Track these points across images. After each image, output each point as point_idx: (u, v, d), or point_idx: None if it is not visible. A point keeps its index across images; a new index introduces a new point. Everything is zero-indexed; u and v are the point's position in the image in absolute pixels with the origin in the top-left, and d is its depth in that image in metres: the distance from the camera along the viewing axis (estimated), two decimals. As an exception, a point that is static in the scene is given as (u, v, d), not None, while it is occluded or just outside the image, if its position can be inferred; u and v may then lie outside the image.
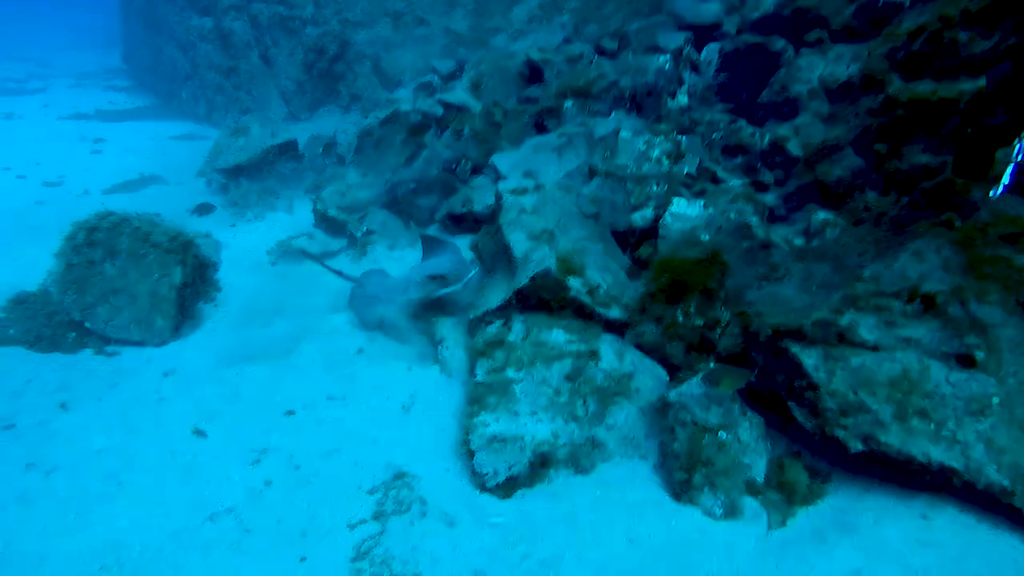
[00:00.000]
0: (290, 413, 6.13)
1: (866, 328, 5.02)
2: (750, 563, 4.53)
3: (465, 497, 5.15)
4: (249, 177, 12.09)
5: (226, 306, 8.13)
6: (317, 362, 6.96)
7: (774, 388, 5.41)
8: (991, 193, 4.70)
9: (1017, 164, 4.57)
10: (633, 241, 7.98)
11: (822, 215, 7.40)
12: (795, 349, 5.19)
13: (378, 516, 4.90)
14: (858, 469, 5.17)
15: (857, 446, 4.84)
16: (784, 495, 5.16)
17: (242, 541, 4.80)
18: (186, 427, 5.93)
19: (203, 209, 9.01)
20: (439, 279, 7.00)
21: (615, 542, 4.66)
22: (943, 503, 4.82)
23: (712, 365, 5.61)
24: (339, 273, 8.52)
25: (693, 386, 5.30)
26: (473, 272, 7.11)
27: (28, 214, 11.56)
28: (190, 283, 7.96)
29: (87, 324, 7.72)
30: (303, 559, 4.63)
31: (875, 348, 4.97)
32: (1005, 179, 4.71)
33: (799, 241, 7.54)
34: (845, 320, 5.06)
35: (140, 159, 15.16)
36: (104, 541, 4.77)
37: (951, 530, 4.66)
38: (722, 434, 5.06)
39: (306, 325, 7.57)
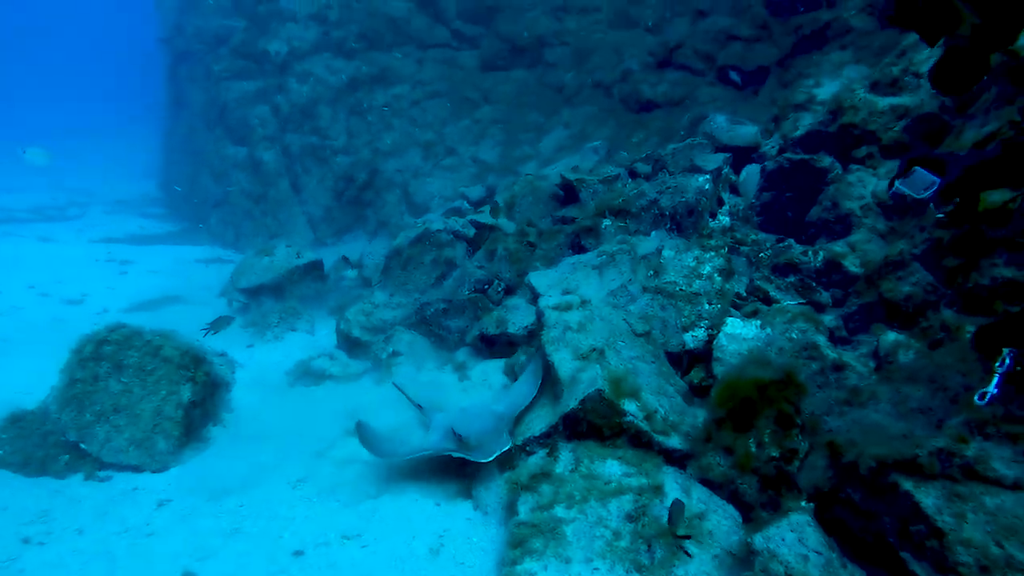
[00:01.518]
0: (299, 554, 5.23)
1: (1001, 461, 4.17)
2: None
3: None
4: (271, 297, 11.67)
5: (235, 428, 7.38)
6: (332, 493, 6.11)
7: (880, 534, 4.49)
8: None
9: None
10: (684, 365, 7.27)
11: (892, 336, 6.69)
12: (907, 485, 4.32)
13: None
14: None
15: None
16: (905, 673, 4.12)
17: None
18: (175, 568, 5.04)
19: (220, 324, 8.48)
20: (458, 439, 5.90)
21: None
22: None
23: (804, 504, 4.71)
24: (410, 399, 7.47)
25: (784, 530, 4.39)
26: (501, 449, 5.73)
27: (43, 330, 11.10)
28: (199, 402, 7.27)
29: (83, 445, 6.99)
30: None
31: (1016, 487, 4.09)
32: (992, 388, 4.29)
33: (868, 365, 6.79)
34: (972, 450, 4.22)
35: (164, 279, 14.91)
36: None
37: None
38: (828, 597, 4.11)
39: (322, 452, 6.76)
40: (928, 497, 4.25)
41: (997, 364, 4.31)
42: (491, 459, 5.61)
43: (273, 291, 11.68)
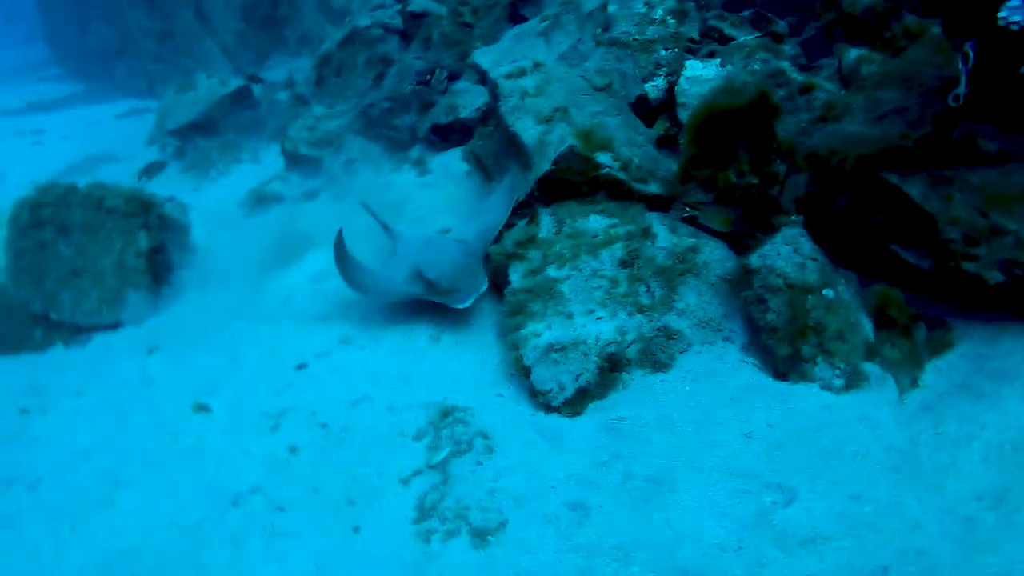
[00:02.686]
0: (301, 367, 5.20)
1: (984, 138, 4.09)
2: (899, 433, 3.70)
3: (531, 423, 4.28)
4: (204, 134, 10.91)
5: (204, 268, 7.10)
6: (320, 311, 5.99)
7: (867, 234, 4.51)
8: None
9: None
10: (647, 117, 6.98)
11: (855, 52, 6.37)
12: (894, 180, 4.27)
13: (435, 463, 4.04)
14: (985, 307, 4.30)
15: (996, 277, 3.97)
16: (903, 352, 4.31)
17: (277, 522, 3.93)
18: (184, 405, 5.00)
19: (152, 169, 7.87)
20: (426, 283, 5.20)
21: (730, 440, 3.81)
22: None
23: (794, 217, 4.67)
24: (384, 225, 6.53)
25: (778, 244, 4.38)
26: (478, 292, 5.12)
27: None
28: (159, 248, 6.93)
29: (52, 315, 6.73)
30: (356, 529, 3.77)
31: (1000, 159, 4.04)
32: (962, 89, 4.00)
33: (834, 83, 6.54)
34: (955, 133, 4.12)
35: (83, 143, 13.85)
36: (110, 553, 3.90)
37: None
38: (827, 292, 4.17)
39: (298, 275, 6.58)
40: (914, 188, 4.22)
41: (960, 63, 4.08)
42: (468, 304, 5.05)
43: (205, 127, 10.91)
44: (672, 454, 3.79)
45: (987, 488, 3.34)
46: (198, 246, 7.53)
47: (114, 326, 6.58)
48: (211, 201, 8.98)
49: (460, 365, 4.90)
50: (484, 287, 5.15)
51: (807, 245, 4.36)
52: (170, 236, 7.19)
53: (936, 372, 4.17)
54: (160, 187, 9.74)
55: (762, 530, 3.32)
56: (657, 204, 5.44)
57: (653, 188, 5.47)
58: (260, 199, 8.36)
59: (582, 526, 3.48)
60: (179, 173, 10.50)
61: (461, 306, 5.05)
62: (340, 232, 5.38)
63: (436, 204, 7.24)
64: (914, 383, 4.15)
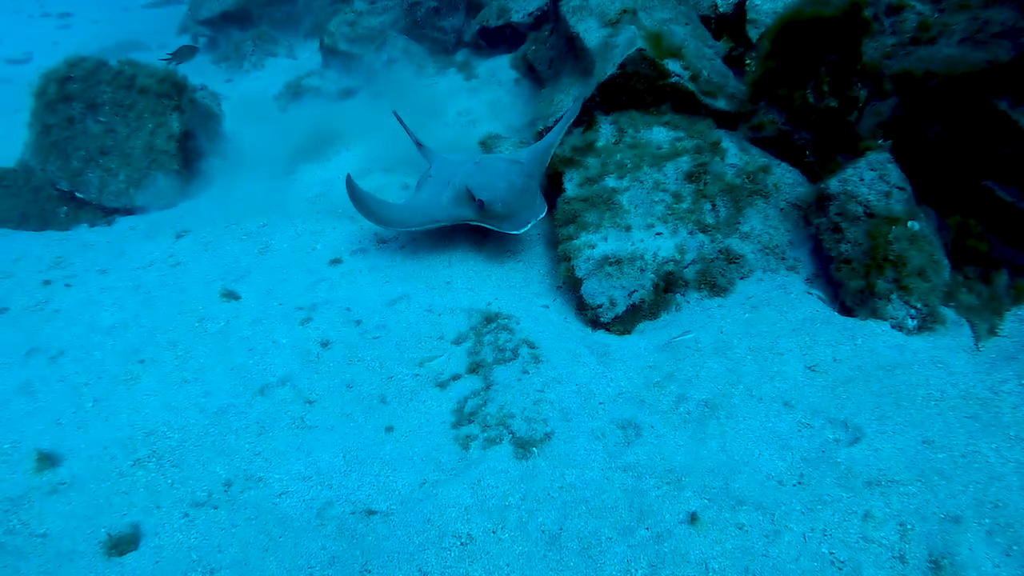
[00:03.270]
0: (336, 262, 4.98)
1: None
2: (978, 381, 3.43)
3: (578, 337, 4.05)
4: (238, 25, 10.46)
5: (236, 158, 6.83)
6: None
7: (958, 169, 4.15)
8: None
9: None
10: (712, 33, 6.51)
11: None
12: (1003, 105, 3.88)
13: (476, 368, 3.83)
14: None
15: (1101, 222, 3.63)
16: (981, 298, 4.01)
17: (306, 415, 3.76)
18: (213, 291, 4.82)
19: (183, 53, 7.51)
20: (478, 206, 4.62)
21: (791, 372, 3.56)
22: None
23: (881, 142, 4.30)
24: (417, 142, 5.87)
25: (862, 169, 4.03)
26: (537, 217, 4.62)
27: (-5, 92, 10.13)
28: (191, 132, 6.65)
29: (79, 194, 6.52)
30: (389, 429, 3.60)
31: None
32: None
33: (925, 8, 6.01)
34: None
35: (112, 27, 13.45)
36: (132, 430, 3.75)
37: None
38: (913, 224, 3.84)
39: (336, 167, 6.30)
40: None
41: None
42: (526, 231, 4.59)
43: (239, 18, 10.46)
44: (729, 380, 3.55)
45: (1073, 445, 3.09)
46: (230, 136, 7.23)
47: (141, 210, 6.36)
48: (245, 93, 8.64)
49: (505, 272, 4.65)
50: (543, 212, 4.66)
51: (895, 173, 4.01)
52: (201, 123, 6.91)
53: (1018, 322, 3.87)
54: (191, 77, 9.42)
55: (825, 467, 3.10)
56: (725, 121, 5.07)
57: (722, 104, 5.10)
58: (296, 93, 8.02)
59: (632, 445, 3.27)
60: (211, 64, 10.12)
61: (518, 232, 4.57)
62: (349, 178, 4.89)
63: (481, 110, 6.88)
64: (992, 331, 3.86)
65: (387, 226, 4.88)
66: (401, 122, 5.92)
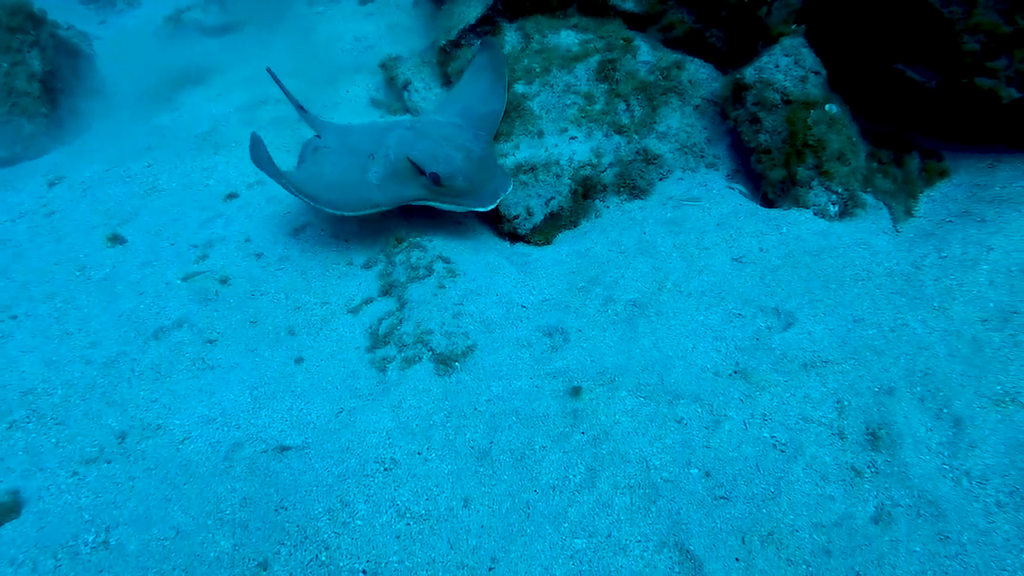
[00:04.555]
0: (232, 196, 4.59)
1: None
2: (901, 258, 3.40)
3: (496, 250, 3.82)
4: (108, -39, 9.51)
5: (116, 99, 6.21)
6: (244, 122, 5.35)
7: (868, 53, 4.06)
8: None
9: None
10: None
11: None
12: (912, -19, 3.78)
13: (389, 290, 3.56)
14: (982, 139, 3.98)
15: (1011, 94, 3.59)
16: (896, 182, 3.97)
17: (207, 355, 3.44)
18: (95, 237, 4.36)
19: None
20: (429, 179, 3.67)
21: (719, 266, 3.44)
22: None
23: (794, 27, 4.16)
24: (299, 107, 4.89)
25: (777, 56, 3.89)
26: (504, 191, 3.72)
27: None
28: (58, 72, 5.98)
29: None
30: (299, 360, 3.31)
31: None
32: None
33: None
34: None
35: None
36: (5, 391, 3.34)
37: None
38: (830, 107, 3.74)
39: (223, 95, 5.81)
40: (936, -8, 3.74)
41: None
42: (493, 207, 3.67)
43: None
44: (656, 278, 3.40)
45: (994, 310, 3.08)
46: (106, 77, 6.57)
47: (5, 161, 5.70)
48: (121, 31, 7.87)
49: (414, 192, 4.35)
50: (510, 186, 3.75)
51: (810, 57, 3.89)
52: (69, 62, 6.23)
53: (931, 202, 3.86)
54: (60, 19, 8.55)
55: (760, 354, 3.01)
56: (634, 23, 4.84)
57: (630, 5, 4.85)
58: (177, 27, 7.34)
59: (560, 351, 3.10)
60: (80, 4, 9.19)
61: (485, 208, 3.66)
62: (254, 137, 3.96)
63: (380, 34, 6.46)
64: (909, 212, 3.84)
65: (313, 203, 3.73)
66: (279, 83, 4.98)
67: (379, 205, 3.70)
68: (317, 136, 4.55)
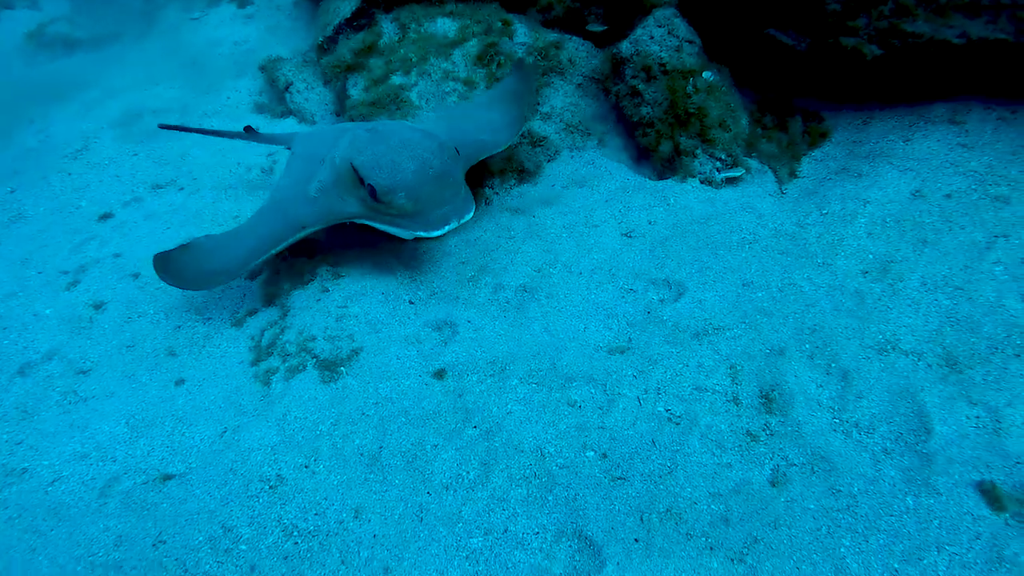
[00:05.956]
0: (106, 216, 4.31)
1: None
2: (786, 219, 3.43)
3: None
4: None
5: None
6: (132, 143, 5.07)
7: (741, 21, 4.10)
8: None
9: None
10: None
11: None
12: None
13: (272, 299, 3.40)
14: (857, 97, 4.07)
15: (874, 51, 3.66)
16: (780, 146, 4.02)
17: (79, 387, 3.21)
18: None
19: None
20: (367, 192, 3.10)
21: (609, 242, 3.41)
22: (965, 105, 3.82)
23: (665, -2, 4.15)
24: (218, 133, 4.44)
25: (650, 28, 3.88)
26: (461, 219, 3.07)
27: None
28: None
29: None
30: (179, 382, 3.12)
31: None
32: None
33: None
34: None
35: None
36: None
37: (988, 127, 3.71)
38: (707, 75, 3.75)
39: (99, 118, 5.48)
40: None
41: None
42: (442, 233, 3.02)
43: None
44: (546, 260, 3.34)
45: (873, 261, 3.15)
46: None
47: None
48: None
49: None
50: (471, 212, 3.07)
51: (683, 26, 3.89)
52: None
53: (813, 162, 3.93)
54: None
55: (652, 327, 2.98)
56: (512, 6, 4.77)
57: (505, -13, 4.78)
58: (42, 44, 6.90)
59: (449, 344, 3.00)
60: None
61: (429, 235, 3.02)
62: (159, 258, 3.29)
63: (260, 36, 6.21)
64: (793, 174, 3.89)
65: (224, 277, 3.17)
66: (203, 131, 4.37)
67: (305, 226, 3.08)
68: (287, 148, 3.96)
